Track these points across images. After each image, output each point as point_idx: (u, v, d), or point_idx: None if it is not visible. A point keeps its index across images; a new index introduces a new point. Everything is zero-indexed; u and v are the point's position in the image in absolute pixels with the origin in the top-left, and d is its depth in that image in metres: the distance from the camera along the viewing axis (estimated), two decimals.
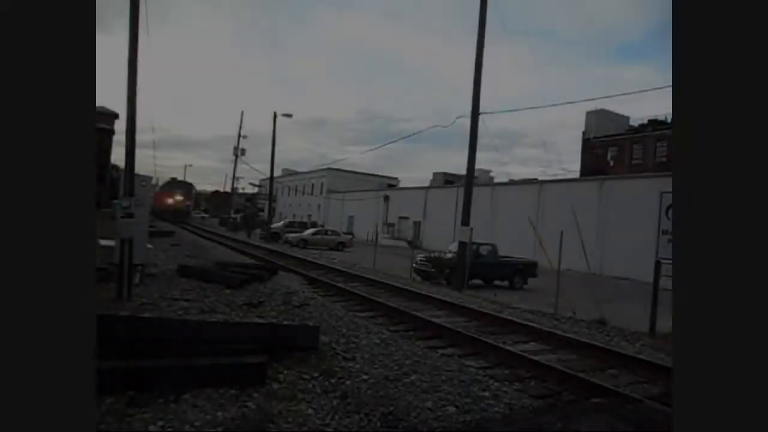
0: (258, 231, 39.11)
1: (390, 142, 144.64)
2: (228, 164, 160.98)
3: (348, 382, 4.60)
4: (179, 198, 48.01)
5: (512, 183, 37.22)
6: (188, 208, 50.04)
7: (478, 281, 17.32)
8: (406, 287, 12.17)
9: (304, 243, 30.91)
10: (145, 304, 7.36)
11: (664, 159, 39.99)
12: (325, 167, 57.33)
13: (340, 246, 32.13)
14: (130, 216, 7.71)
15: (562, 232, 11.85)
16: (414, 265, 17.87)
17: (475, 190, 17.45)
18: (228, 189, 59.49)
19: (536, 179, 36.49)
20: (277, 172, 45.62)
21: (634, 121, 48.04)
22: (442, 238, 30.79)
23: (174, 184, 51.05)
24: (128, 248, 7.68)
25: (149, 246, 10.30)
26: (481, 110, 15.47)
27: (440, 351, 6.27)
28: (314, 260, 18.74)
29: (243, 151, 49.18)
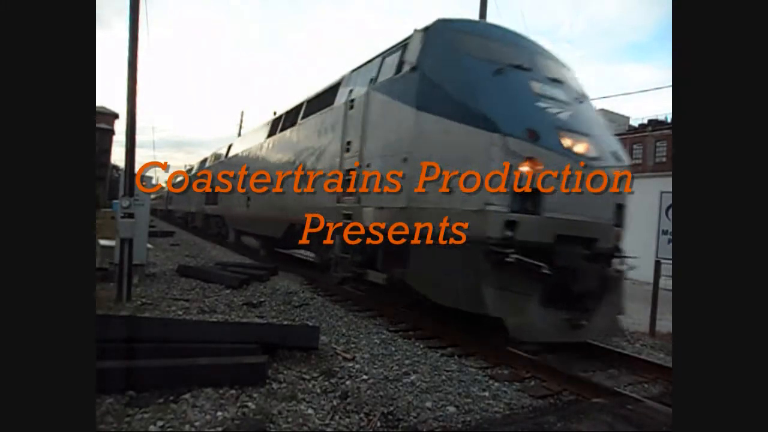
0: None
1: None
2: None
3: (348, 382, 4.60)
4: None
5: None
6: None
7: None
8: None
9: None
10: (145, 304, 7.36)
11: (664, 159, 40.01)
12: None
13: None
14: (131, 216, 7.71)
15: None
16: None
17: None
18: None
19: None
20: None
21: (634, 121, 48.10)
22: None
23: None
24: (128, 248, 7.67)
25: (149, 246, 10.30)
26: None
27: (440, 351, 6.26)
28: (314, 260, 18.69)
29: None
